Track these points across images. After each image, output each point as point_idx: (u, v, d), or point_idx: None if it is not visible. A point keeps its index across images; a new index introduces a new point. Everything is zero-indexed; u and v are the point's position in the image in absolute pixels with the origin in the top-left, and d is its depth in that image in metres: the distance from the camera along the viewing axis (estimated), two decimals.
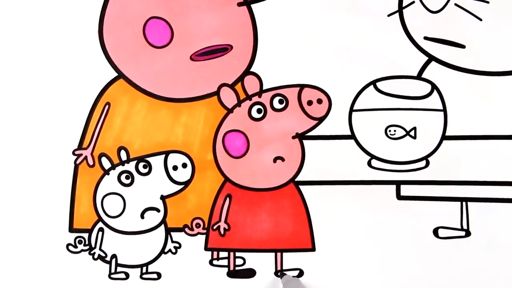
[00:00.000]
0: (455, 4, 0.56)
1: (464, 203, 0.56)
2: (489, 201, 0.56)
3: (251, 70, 0.57)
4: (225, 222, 0.57)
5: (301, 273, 0.57)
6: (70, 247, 0.58)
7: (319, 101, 0.57)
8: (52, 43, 0.58)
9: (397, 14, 0.57)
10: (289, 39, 0.57)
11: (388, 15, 0.57)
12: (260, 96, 0.57)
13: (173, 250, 0.58)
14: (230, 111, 0.58)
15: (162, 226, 0.58)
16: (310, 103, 0.57)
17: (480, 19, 0.56)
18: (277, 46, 0.57)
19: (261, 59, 0.57)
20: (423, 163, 0.56)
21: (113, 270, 0.58)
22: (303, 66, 0.57)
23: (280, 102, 0.57)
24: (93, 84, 0.58)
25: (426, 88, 0.56)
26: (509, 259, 0.56)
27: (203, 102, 0.58)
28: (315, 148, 0.57)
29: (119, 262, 0.58)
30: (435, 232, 0.56)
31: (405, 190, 0.57)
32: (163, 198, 0.58)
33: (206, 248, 0.58)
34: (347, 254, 0.57)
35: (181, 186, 0.57)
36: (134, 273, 0.58)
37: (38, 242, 0.58)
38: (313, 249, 0.57)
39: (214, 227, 0.57)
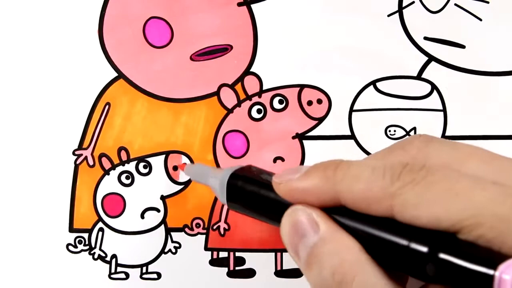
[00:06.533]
0: (455, 4, 0.56)
1: None
2: None
3: (251, 70, 0.57)
4: (225, 222, 0.57)
5: (301, 273, 0.57)
6: (70, 247, 0.58)
7: (319, 101, 0.57)
8: (51, 43, 0.58)
9: (397, 14, 0.57)
10: (289, 39, 0.57)
11: (388, 15, 0.57)
12: (260, 96, 0.57)
13: (173, 250, 0.58)
14: (230, 111, 0.58)
15: (162, 226, 0.58)
16: (310, 103, 0.57)
17: (480, 19, 0.56)
18: (277, 46, 0.57)
19: (261, 59, 0.57)
20: None
21: (113, 270, 0.58)
22: (303, 66, 0.57)
23: (280, 102, 0.57)
24: (93, 84, 0.58)
25: (426, 88, 0.56)
26: None
27: (203, 102, 0.58)
28: (315, 148, 0.57)
29: (119, 262, 0.58)
30: None
31: None
32: (163, 198, 0.58)
33: (206, 248, 0.58)
34: None
35: (181, 186, 0.57)
36: (134, 273, 0.58)
37: (38, 242, 0.58)
38: None
39: (214, 227, 0.57)
